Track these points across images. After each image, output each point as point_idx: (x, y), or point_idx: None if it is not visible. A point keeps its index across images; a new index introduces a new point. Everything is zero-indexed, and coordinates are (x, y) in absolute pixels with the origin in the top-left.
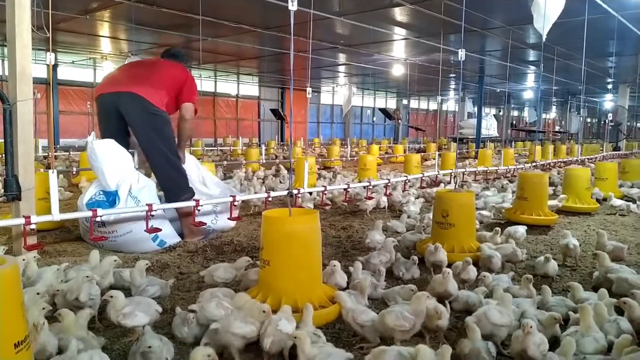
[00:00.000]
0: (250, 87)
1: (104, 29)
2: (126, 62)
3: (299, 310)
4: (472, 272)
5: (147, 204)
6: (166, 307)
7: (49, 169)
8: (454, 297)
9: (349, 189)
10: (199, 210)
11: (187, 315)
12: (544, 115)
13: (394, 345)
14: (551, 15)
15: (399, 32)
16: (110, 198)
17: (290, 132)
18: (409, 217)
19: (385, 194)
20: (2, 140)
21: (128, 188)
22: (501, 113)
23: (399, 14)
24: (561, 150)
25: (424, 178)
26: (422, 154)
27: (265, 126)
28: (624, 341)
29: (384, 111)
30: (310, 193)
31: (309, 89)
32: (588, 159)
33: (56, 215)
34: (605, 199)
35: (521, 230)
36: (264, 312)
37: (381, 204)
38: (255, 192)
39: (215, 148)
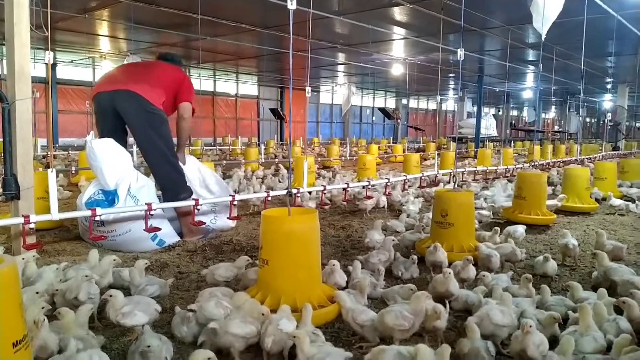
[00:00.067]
0: (249, 87)
1: (103, 28)
2: (125, 62)
3: (298, 310)
4: (471, 271)
5: (146, 203)
6: (165, 306)
7: (48, 168)
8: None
9: (348, 189)
10: (198, 210)
11: (187, 314)
12: (543, 115)
13: (393, 344)
14: (550, 14)
15: (398, 32)
16: (110, 197)
17: (290, 131)
18: (408, 216)
19: (384, 194)
20: (1, 140)
21: (127, 187)
22: (500, 113)
23: (398, 13)
24: (560, 150)
25: (423, 178)
26: (422, 153)
27: (265, 125)
28: (623, 341)
29: (383, 111)
30: (310, 193)
31: (308, 89)
32: (587, 158)
33: (55, 215)
34: (604, 199)
35: (520, 229)
36: (263, 314)
37: (380, 203)
38: (255, 192)
39: (215, 147)
